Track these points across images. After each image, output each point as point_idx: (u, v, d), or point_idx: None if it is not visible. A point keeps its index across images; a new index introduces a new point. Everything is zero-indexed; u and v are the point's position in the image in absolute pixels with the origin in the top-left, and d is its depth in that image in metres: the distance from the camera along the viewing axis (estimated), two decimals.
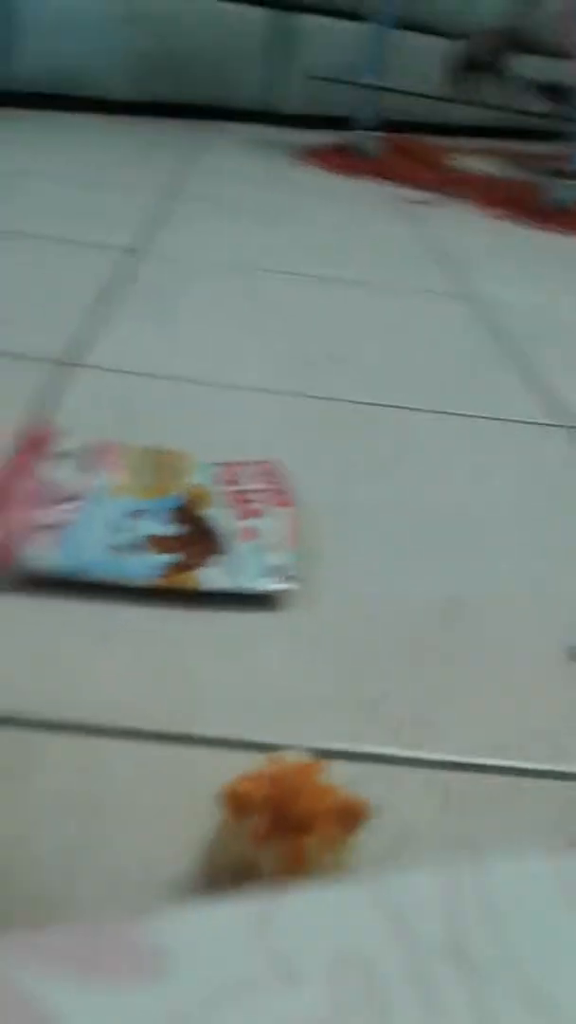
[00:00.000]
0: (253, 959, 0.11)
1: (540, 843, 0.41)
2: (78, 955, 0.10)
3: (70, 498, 0.56)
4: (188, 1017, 0.10)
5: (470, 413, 0.87)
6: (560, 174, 2.05)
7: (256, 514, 0.57)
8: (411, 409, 0.86)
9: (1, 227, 1.26)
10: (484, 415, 0.88)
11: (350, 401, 0.86)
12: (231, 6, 2.88)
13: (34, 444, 0.60)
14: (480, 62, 2.47)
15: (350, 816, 0.35)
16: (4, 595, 0.50)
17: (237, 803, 0.34)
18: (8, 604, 0.50)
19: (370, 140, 2.45)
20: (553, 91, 2.69)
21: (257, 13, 2.96)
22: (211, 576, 0.52)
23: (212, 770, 0.41)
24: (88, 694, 0.45)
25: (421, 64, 3.13)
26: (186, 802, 0.39)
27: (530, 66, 2.80)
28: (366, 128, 2.44)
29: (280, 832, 0.34)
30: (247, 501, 0.58)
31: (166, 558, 0.53)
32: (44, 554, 0.50)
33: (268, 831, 0.34)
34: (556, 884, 0.12)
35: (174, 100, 2.91)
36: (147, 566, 0.52)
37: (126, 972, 0.10)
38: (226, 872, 0.36)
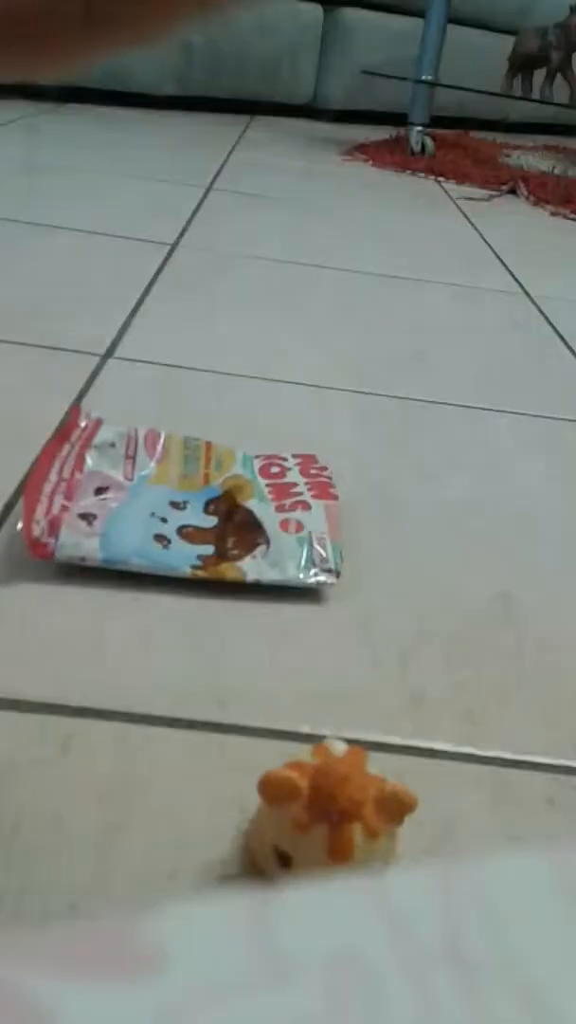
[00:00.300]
0: (249, 957, 0.11)
1: None
2: (75, 953, 0.10)
3: (111, 487, 0.56)
4: (184, 1015, 0.10)
5: (533, 412, 0.86)
6: None
7: (299, 507, 0.56)
8: (467, 407, 0.85)
9: (47, 221, 1.27)
10: (547, 415, 0.86)
11: (401, 397, 0.85)
12: (279, 1, 2.89)
13: (76, 433, 0.60)
14: (534, 58, 2.44)
15: (394, 806, 0.34)
16: (46, 584, 0.50)
17: (277, 790, 0.34)
18: (50, 593, 0.50)
19: (423, 136, 2.43)
20: None
21: (307, 7, 2.96)
22: (254, 567, 0.52)
23: (253, 759, 0.41)
24: (129, 683, 0.45)
25: (477, 60, 3.10)
26: (226, 790, 0.39)
27: None
28: (419, 124, 2.42)
29: (322, 820, 0.33)
30: (290, 494, 0.57)
31: (207, 549, 0.52)
32: (85, 543, 0.50)
33: (309, 819, 0.33)
34: (556, 882, 0.12)
35: (221, 95, 2.93)
36: (188, 556, 0.51)
37: (122, 969, 0.10)
38: (264, 859, 0.35)
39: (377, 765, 0.36)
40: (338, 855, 0.33)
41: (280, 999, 0.10)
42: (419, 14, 2.42)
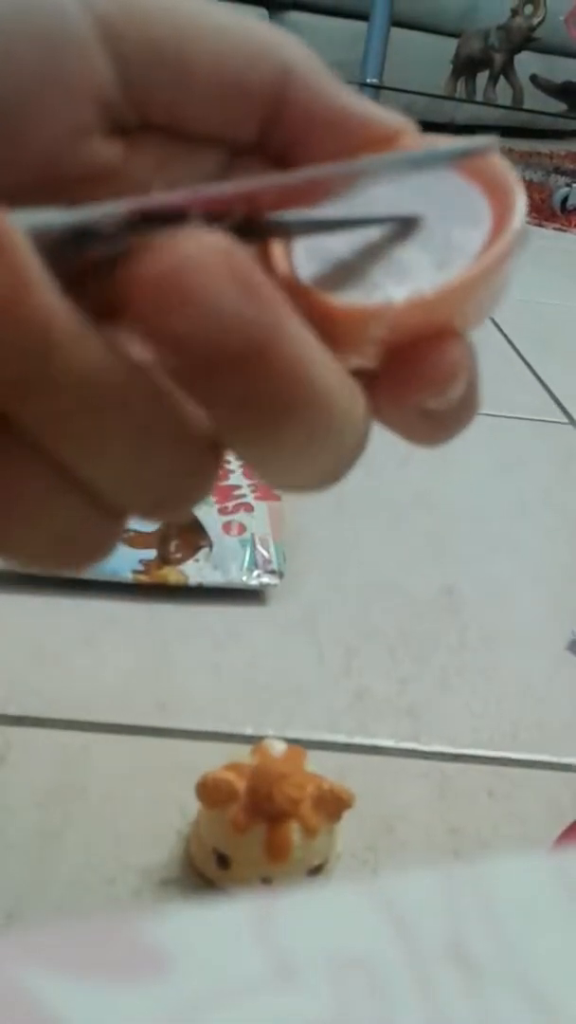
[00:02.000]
0: (253, 959, 0.11)
1: (532, 834, 0.40)
2: (79, 955, 0.10)
3: None
4: (188, 1018, 0.10)
5: (481, 411, 0.87)
6: (569, 173, 2.04)
7: (241, 509, 0.56)
8: None
9: None
10: (495, 413, 0.87)
11: None
12: (224, 5, 2.89)
13: None
14: (476, 60, 2.46)
15: (332, 804, 0.34)
16: None
17: (214, 792, 0.34)
18: None
19: None
20: (565, 91, 2.69)
21: (250, 11, 2.96)
22: (196, 570, 0.52)
23: (196, 762, 0.41)
24: (71, 689, 0.44)
25: (422, 63, 3.13)
26: (168, 794, 0.39)
27: (538, 65, 2.79)
28: None
29: (260, 820, 0.33)
30: (232, 496, 0.57)
31: (149, 553, 0.52)
32: None
33: (247, 820, 0.33)
34: (558, 884, 0.12)
35: None
36: (130, 561, 0.51)
37: (126, 972, 0.10)
38: (204, 861, 0.35)
39: (321, 763, 0.36)
40: (276, 854, 0.33)
41: (286, 1001, 0.10)
42: (363, 17, 2.44)
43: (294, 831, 0.34)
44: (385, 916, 0.11)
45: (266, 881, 0.34)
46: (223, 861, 0.34)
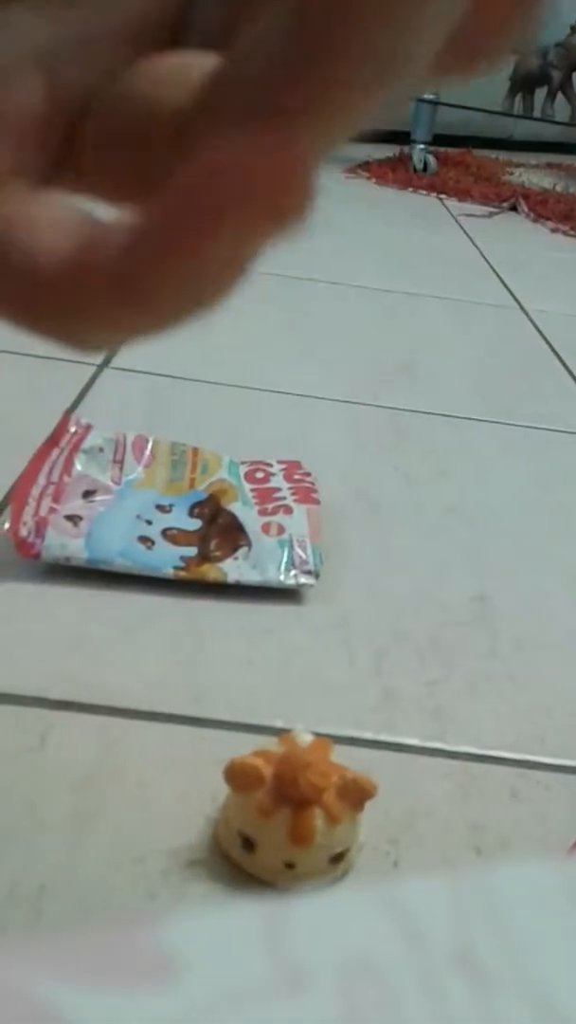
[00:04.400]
0: (263, 965, 0.11)
1: (553, 835, 0.41)
2: (88, 961, 0.10)
3: (99, 491, 0.57)
4: (197, 1022, 0.10)
5: (519, 423, 0.87)
6: None
7: (281, 511, 0.58)
8: (455, 417, 0.86)
9: None
10: (534, 425, 0.87)
11: (390, 408, 0.86)
12: None
13: (66, 438, 0.61)
14: (534, 77, 2.46)
15: (355, 793, 0.35)
16: (32, 583, 0.52)
17: (241, 776, 0.35)
18: (35, 592, 0.51)
19: (425, 154, 2.46)
20: None
21: None
22: (235, 569, 0.53)
23: (226, 751, 0.42)
24: (109, 679, 0.46)
25: (480, 79, 3.13)
26: (199, 780, 0.40)
27: None
28: (422, 142, 2.45)
29: (284, 805, 0.35)
30: (273, 498, 0.59)
31: (190, 550, 0.54)
32: (70, 544, 0.52)
33: (272, 805, 0.35)
34: (564, 890, 0.12)
35: None
36: (171, 558, 0.53)
37: (135, 977, 0.10)
38: (230, 844, 0.36)
39: (346, 758, 0.37)
40: (299, 839, 0.35)
41: (295, 1007, 0.10)
42: None
43: (317, 817, 0.35)
44: (394, 922, 0.11)
45: (289, 866, 0.35)
46: (248, 844, 0.36)
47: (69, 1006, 0.10)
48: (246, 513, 0.57)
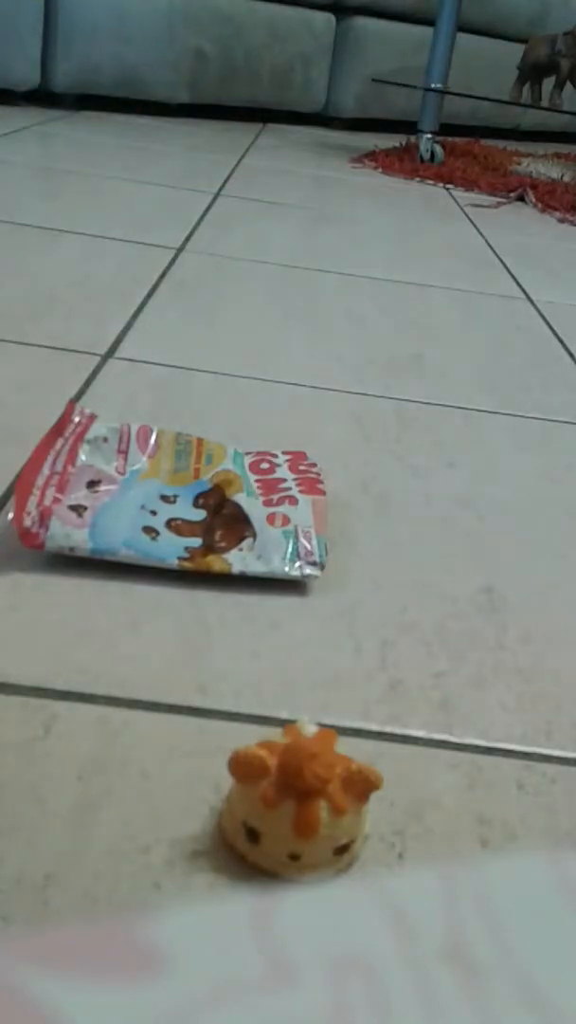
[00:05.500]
0: (252, 958, 0.11)
1: (559, 827, 0.40)
2: (78, 954, 0.10)
3: (103, 481, 0.57)
4: (186, 1016, 0.10)
5: (528, 414, 0.87)
6: None
7: (286, 501, 0.57)
8: (462, 408, 0.86)
9: (54, 225, 1.29)
10: (543, 416, 0.87)
11: (398, 399, 0.86)
12: (291, 10, 2.91)
13: (70, 428, 0.61)
14: (543, 66, 2.45)
15: (360, 784, 0.35)
16: (36, 574, 0.52)
17: (246, 766, 0.35)
18: (39, 582, 0.51)
19: (433, 143, 2.44)
20: None
21: (320, 16, 2.98)
22: (240, 559, 0.53)
23: (231, 742, 0.42)
24: (114, 668, 0.46)
25: (488, 68, 3.12)
26: (204, 770, 0.40)
27: None
28: (429, 131, 2.43)
29: (289, 796, 0.34)
30: (278, 489, 0.59)
31: (194, 541, 0.53)
32: (74, 534, 0.52)
33: (277, 795, 0.34)
34: (557, 884, 0.12)
35: (234, 104, 2.95)
36: (176, 548, 0.53)
37: (125, 971, 0.10)
38: (234, 835, 0.36)
39: (352, 749, 0.37)
40: (304, 830, 0.34)
41: (285, 1001, 0.10)
42: (430, 23, 2.44)
43: (323, 809, 0.35)
44: (384, 917, 0.11)
45: (294, 857, 0.35)
46: (253, 835, 0.35)
47: (57, 1001, 0.10)
48: (251, 504, 0.57)
